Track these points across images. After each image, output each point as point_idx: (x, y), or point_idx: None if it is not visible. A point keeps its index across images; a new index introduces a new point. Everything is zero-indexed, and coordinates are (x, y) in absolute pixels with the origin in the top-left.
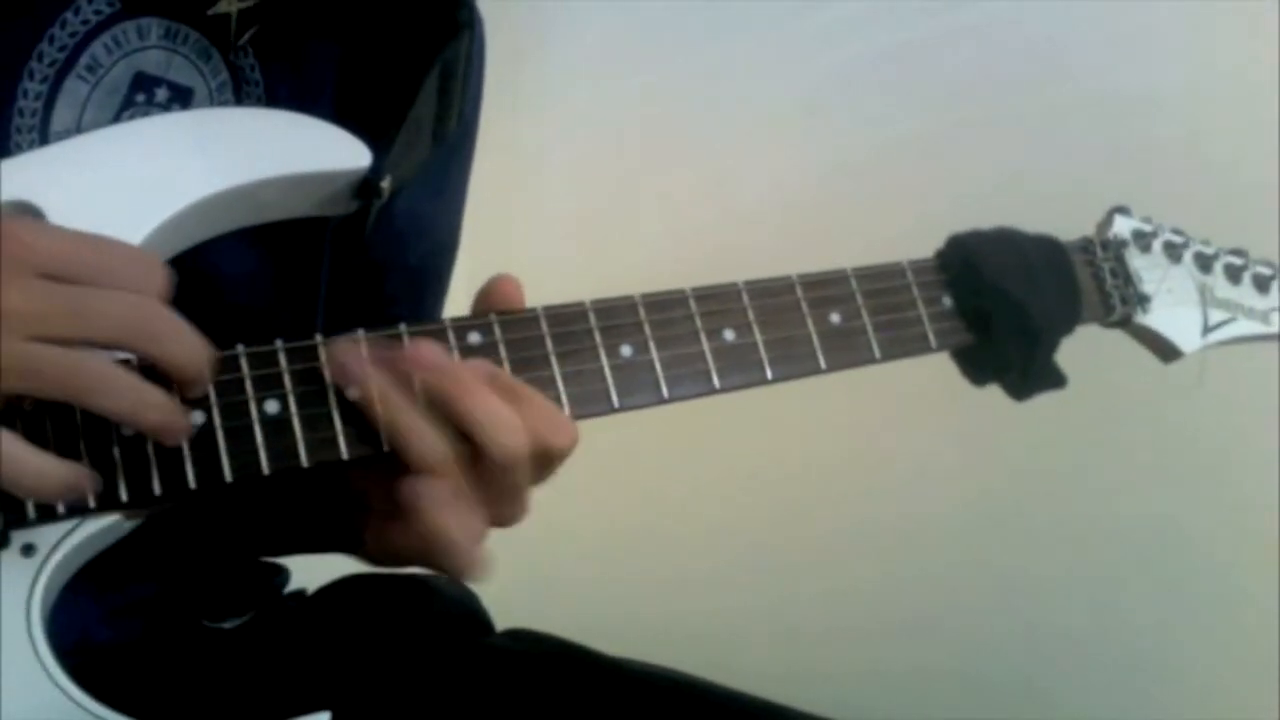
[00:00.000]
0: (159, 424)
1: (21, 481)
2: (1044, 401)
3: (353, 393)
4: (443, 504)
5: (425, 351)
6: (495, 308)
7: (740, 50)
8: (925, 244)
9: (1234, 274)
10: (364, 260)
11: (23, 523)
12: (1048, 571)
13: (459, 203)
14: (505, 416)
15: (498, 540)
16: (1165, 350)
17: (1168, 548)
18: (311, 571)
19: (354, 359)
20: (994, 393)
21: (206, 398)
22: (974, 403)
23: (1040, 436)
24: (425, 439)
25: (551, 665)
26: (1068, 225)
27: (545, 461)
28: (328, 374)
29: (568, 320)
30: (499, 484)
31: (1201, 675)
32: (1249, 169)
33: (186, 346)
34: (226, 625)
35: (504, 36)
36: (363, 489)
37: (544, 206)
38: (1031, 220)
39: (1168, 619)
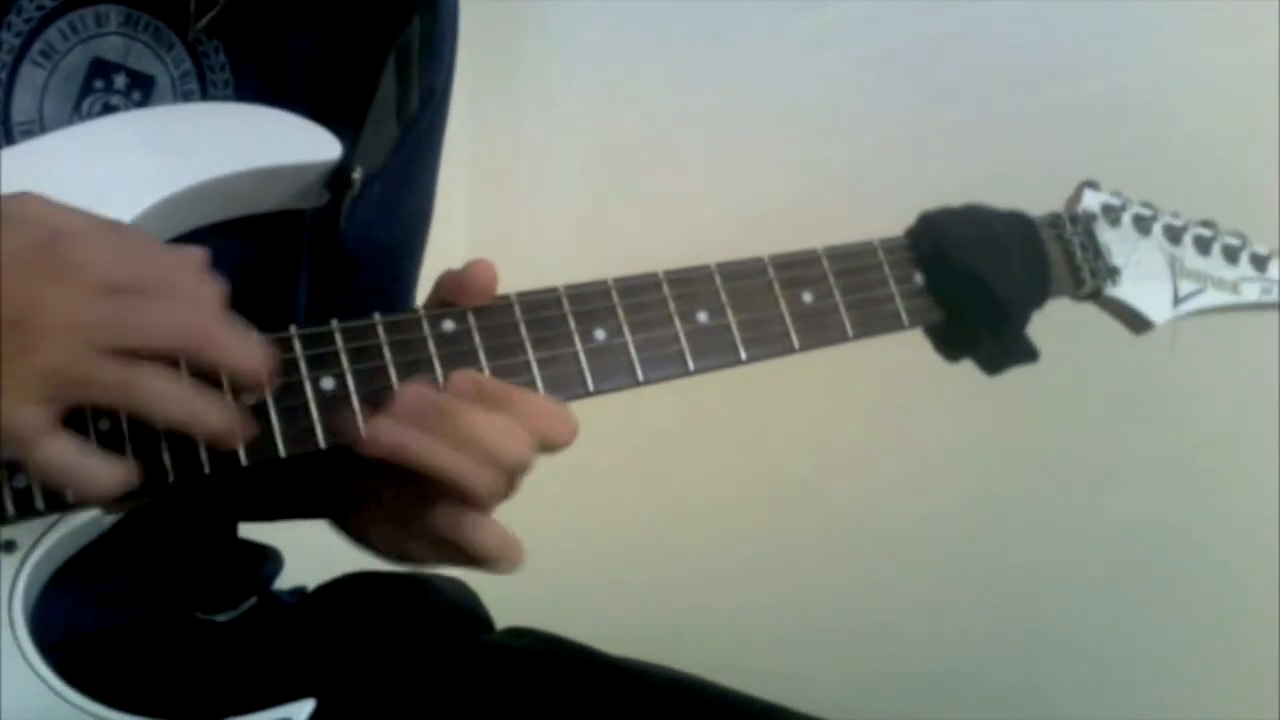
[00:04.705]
0: (215, 431)
1: (77, 484)
2: (1044, 402)
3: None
4: (480, 525)
5: (410, 396)
6: (467, 293)
7: (740, 49)
8: None
9: (1203, 245)
10: (337, 244)
11: (2, 519)
12: (1048, 572)
13: (430, 176)
14: (501, 428)
15: None
16: (1136, 322)
17: (1168, 548)
18: (311, 571)
19: (383, 432)
20: (996, 392)
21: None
22: (975, 403)
23: (1041, 437)
24: (468, 472)
25: (551, 663)
26: None
27: (547, 453)
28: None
29: (542, 306)
30: (509, 484)
31: (1201, 675)
32: (1249, 169)
33: (241, 352)
34: (219, 618)
35: (505, 35)
36: (372, 489)
37: (544, 204)
38: None
39: (1168, 619)
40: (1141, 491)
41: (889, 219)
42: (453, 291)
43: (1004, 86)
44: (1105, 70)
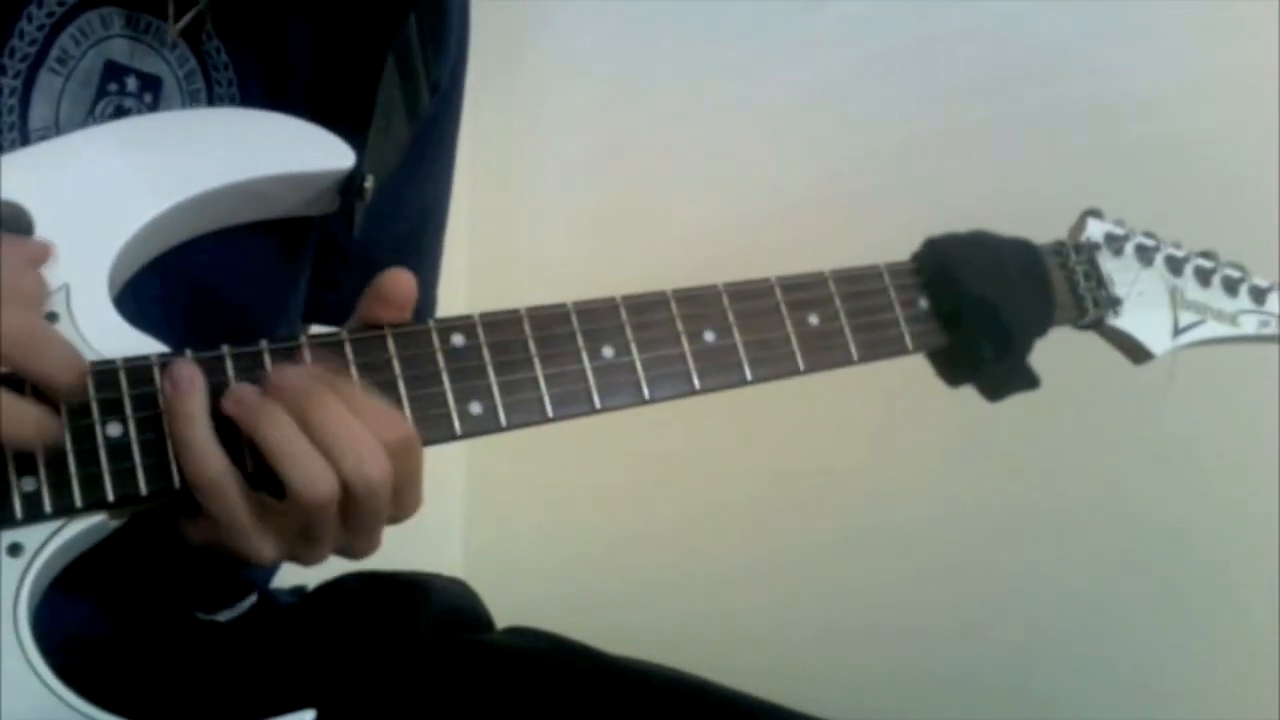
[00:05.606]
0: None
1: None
2: (1043, 404)
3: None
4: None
5: (287, 376)
6: (385, 304)
7: (741, 49)
8: None
9: (1204, 277)
10: (349, 247)
11: (10, 522)
12: (1048, 572)
13: (443, 173)
14: (356, 432)
15: (500, 539)
16: (1136, 352)
17: (1167, 548)
18: (311, 570)
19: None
20: None
21: (122, 411)
22: (974, 406)
23: (1039, 439)
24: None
25: (551, 663)
26: (1067, 225)
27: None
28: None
29: (550, 322)
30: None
31: (1201, 675)
32: (1249, 169)
33: (51, 358)
34: (220, 618)
35: (505, 34)
36: None
37: (545, 205)
38: (1031, 220)
39: (1167, 619)
40: (1141, 492)
41: (889, 219)
42: (370, 304)
43: (1004, 86)
44: (1105, 70)
